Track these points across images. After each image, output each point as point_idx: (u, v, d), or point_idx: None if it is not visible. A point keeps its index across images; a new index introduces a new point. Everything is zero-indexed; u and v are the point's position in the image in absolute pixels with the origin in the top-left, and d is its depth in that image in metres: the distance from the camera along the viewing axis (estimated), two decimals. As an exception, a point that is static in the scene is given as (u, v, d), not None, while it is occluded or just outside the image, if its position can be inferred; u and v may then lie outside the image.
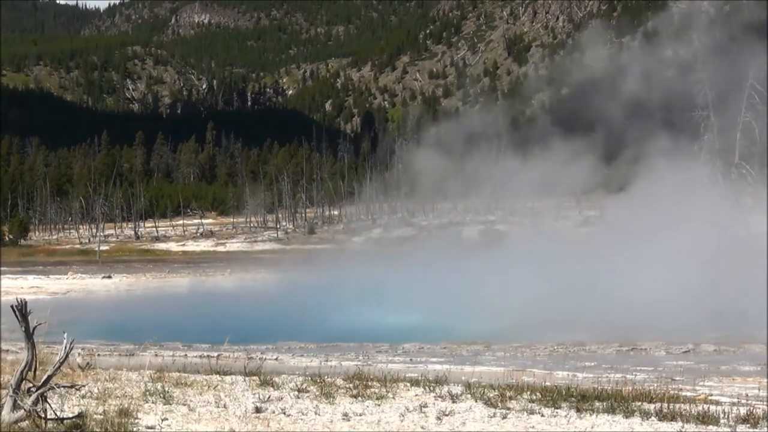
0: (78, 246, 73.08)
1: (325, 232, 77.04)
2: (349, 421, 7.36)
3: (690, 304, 20.12)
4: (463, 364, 14.63)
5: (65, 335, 7.05)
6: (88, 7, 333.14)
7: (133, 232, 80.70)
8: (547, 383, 9.40)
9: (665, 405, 7.89)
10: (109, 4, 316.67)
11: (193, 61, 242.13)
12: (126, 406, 7.35)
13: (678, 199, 24.80)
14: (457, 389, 8.64)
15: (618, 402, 7.96)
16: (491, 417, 7.55)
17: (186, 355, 15.42)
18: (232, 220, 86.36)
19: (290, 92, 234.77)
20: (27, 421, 6.51)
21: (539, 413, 7.66)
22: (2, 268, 42.46)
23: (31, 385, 6.68)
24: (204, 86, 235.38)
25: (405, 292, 25.10)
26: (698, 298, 20.39)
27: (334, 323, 22.43)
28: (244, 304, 28.15)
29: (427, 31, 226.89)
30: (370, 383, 8.91)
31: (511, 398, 8.22)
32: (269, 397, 8.15)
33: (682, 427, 7.20)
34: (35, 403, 6.52)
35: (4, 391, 7.09)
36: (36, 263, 53.62)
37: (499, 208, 70.19)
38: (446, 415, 7.54)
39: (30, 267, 48.82)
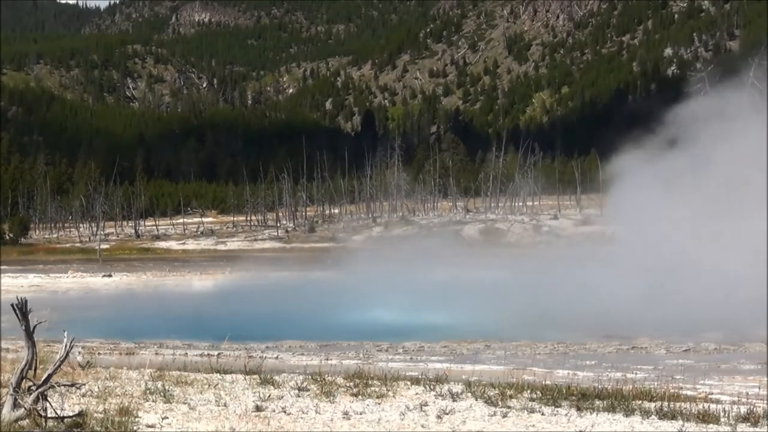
0: (78, 244, 73.04)
1: (326, 230, 77.04)
2: (349, 419, 7.36)
3: None
4: (463, 362, 14.63)
5: (65, 334, 7.04)
6: (88, 5, 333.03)
7: (133, 231, 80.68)
8: (548, 382, 9.40)
9: (665, 403, 7.89)
10: (110, 3, 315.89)
11: (194, 59, 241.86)
12: (126, 404, 7.35)
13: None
14: (457, 388, 8.64)
15: (618, 400, 7.96)
16: (491, 416, 7.55)
17: (186, 353, 15.41)
18: (232, 218, 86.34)
19: (290, 91, 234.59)
20: (27, 420, 6.51)
21: (539, 412, 7.66)
22: (2, 267, 42.45)
23: (31, 383, 6.68)
24: (204, 85, 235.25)
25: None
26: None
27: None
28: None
29: (428, 30, 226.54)
30: (370, 382, 8.91)
31: (511, 397, 8.22)
32: (269, 395, 8.15)
33: (683, 425, 7.19)
34: (35, 401, 6.52)
35: (4, 390, 7.09)
36: (36, 262, 53.57)
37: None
38: (446, 414, 7.54)
39: (30, 265, 48.77)
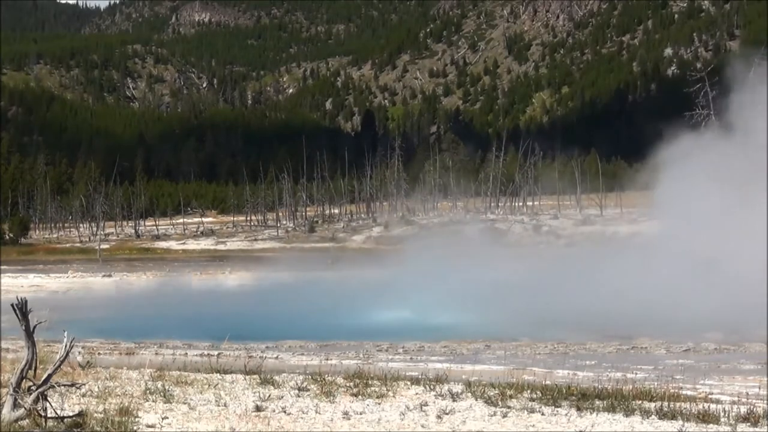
0: (78, 244, 73.03)
1: (326, 230, 77.05)
2: (349, 419, 7.36)
3: None
4: (463, 362, 14.62)
5: (65, 334, 7.04)
6: (88, 5, 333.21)
7: (133, 231, 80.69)
8: (548, 382, 9.40)
9: (665, 403, 7.88)
10: (110, 3, 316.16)
11: (194, 59, 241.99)
12: (126, 404, 7.35)
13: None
14: (457, 388, 8.63)
15: (618, 400, 7.96)
16: (491, 416, 7.54)
17: (186, 353, 15.40)
18: (232, 218, 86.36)
19: (290, 91, 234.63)
20: (27, 420, 6.51)
21: (539, 412, 7.66)
22: (2, 267, 42.44)
23: (31, 383, 6.68)
24: (204, 85, 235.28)
25: None
26: None
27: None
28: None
29: (428, 30, 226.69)
30: (370, 382, 8.90)
31: (511, 397, 8.22)
32: (269, 395, 8.14)
33: (683, 425, 7.19)
34: (35, 401, 6.52)
35: (4, 390, 7.09)
36: (36, 262, 53.55)
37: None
38: (446, 414, 7.54)
39: (30, 265, 48.75)
